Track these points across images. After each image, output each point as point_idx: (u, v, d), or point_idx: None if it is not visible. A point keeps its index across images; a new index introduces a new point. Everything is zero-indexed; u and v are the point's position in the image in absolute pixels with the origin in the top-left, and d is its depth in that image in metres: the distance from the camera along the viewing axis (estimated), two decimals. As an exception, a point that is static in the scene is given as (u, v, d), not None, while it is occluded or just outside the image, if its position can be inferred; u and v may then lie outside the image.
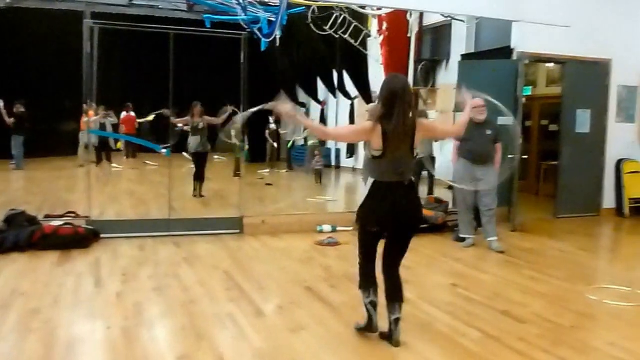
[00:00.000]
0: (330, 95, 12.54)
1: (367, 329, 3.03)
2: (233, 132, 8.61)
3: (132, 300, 3.57)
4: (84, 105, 5.82)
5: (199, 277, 4.15)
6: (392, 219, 2.84)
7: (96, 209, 5.70)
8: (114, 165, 10.69)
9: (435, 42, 10.22)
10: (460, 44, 9.12)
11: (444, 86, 9.53)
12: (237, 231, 5.74)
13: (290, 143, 12.33)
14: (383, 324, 2.99)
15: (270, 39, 6.56)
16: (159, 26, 5.90)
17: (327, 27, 8.83)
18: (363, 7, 8.16)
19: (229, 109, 7.63)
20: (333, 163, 12.98)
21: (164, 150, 6.05)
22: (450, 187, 6.19)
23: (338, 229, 5.85)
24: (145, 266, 4.44)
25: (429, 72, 9.88)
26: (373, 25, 9.36)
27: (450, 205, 6.28)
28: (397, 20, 8.81)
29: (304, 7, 7.95)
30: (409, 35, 8.95)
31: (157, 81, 6.89)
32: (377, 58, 9.49)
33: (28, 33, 11.28)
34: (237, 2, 6.36)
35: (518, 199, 6.50)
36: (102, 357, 2.78)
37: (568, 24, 6.42)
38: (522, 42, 6.70)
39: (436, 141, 7.28)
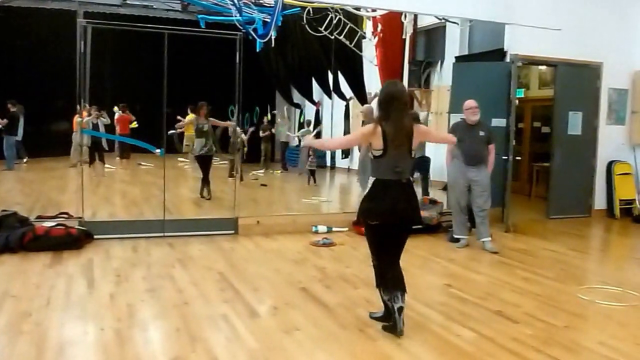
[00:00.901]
0: (325, 96, 12.55)
1: (386, 322, 3.15)
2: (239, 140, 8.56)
3: (125, 302, 3.55)
4: (78, 106, 5.78)
5: (193, 278, 4.13)
6: (391, 211, 3.04)
7: (89, 210, 5.67)
8: (107, 165, 10.62)
9: (429, 44, 10.27)
10: (453, 45, 9.16)
11: (438, 88, 9.59)
12: (232, 232, 5.73)
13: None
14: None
15: (265, 40, 6.56)
16: (153, 26, 5.87)
17: (322, 28, 8.84)
18: (358, 9, 8.17)
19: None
20: (328, 164, 12.98)
21: (158, 151, 6.02)
22: (445, 188, 6.21)
23: (334, 229, 5.85)
24: (139, 267, 4.42)
25: (422, 74, 9.92)
26: (368, 27, 9.39)
27: (444, 206, 6.31)
28: (391, 22, 8.83)
29: (299, 8, 7.95)
30: (403, 37, 8.97)
31: (150, 81, 6.86)
32: (371, 59, 9.51)
33: (20, 32, 11.18)
34: (232, 3, 6.34)
35: (511, 200, 6.56)
36: (95, 359, 2.76)
37: (560, 27, 6.49)
38: (515, 44, 6.75)
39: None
